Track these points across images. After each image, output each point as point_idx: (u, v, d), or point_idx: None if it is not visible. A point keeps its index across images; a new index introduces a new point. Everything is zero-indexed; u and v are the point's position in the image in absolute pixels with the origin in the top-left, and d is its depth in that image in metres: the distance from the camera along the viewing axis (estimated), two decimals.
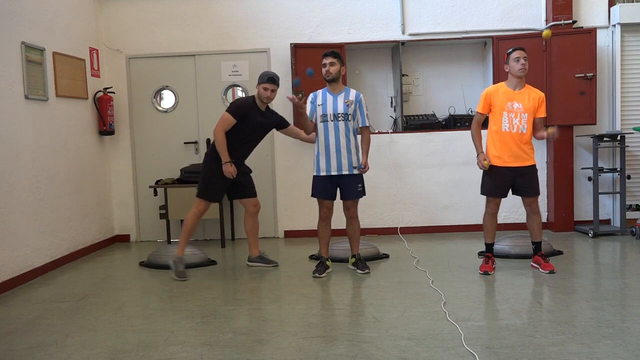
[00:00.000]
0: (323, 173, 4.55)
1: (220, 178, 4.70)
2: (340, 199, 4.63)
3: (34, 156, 4.97)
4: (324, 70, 4.53)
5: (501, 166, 4.45)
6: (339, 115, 4.49)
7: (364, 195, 4.67)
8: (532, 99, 4.41)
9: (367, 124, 4.59)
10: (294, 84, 4.60)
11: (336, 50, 4.65)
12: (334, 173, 4.52)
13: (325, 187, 4.57)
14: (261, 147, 6.45)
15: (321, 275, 4.60)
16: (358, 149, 4.60)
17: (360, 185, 4.60)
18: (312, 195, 4.66)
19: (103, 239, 6.30)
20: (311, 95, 4.66)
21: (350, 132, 4.53)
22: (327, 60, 4.53)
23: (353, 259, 4.77)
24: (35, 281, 4.80)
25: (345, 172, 4.52)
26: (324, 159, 4.53)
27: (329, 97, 4.55)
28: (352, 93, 4.58)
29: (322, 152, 4.54)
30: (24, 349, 3.17)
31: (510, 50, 4.45)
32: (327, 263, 4.73)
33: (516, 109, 4.40)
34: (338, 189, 4.62)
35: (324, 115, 4.52)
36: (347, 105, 4.52)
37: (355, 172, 4.55)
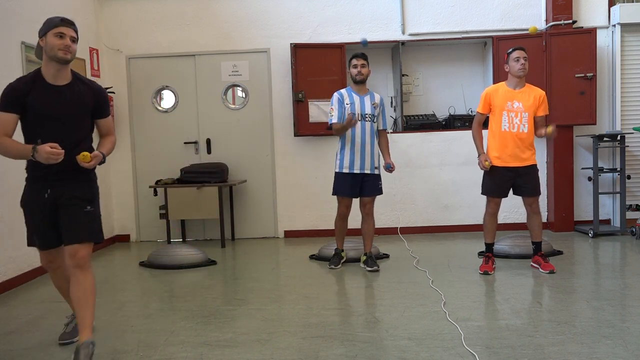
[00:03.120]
0: (346, 170, 4.61)
1: (30, 213, 3.03)
2: (360, 196, 4.69)
3: None
4: (355, 71, 4.60)
5: (501, 166, 4.45)
6: (367, 115, 4.58)
7: (382, 193, 4.78)
8: (533, 97, 4.41)
9: (387, 127, 4.71)
10: (363, 44, 4.65)
11: (365, 53, 4.71)
12: (356, 171, 4.59)
13: (348, 185, 4.62)
14: (261, 146, 6.53)
15: (336, 267, 4.76)
16: (378, 150, 4.70)
17: (380, 182, 4.71)
18: (334, 194, 4.72)
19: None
20: (336, 95, 4.68)
21: (374, 133, 4.62)
22: (358, 62, 4.59)
23: (364, 257, 4.81)
24: (36, 281, 4.81)
25: (367, 171, 4.60)
26: (348, 157, 4.59)
27: (356, 98, 4.63)
28: (377, 96, 4.68)
29: (347, 150, 4.60)
30: (24, 349, 3.17)
31: (511, 50, 4.46)
32: (342, 254, 4.87)
33: (516, 108, 4.40)
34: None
35: (352, 114, 4.54)
36: (374, 107, 4.60)
37: (376, 172, 4.63)
